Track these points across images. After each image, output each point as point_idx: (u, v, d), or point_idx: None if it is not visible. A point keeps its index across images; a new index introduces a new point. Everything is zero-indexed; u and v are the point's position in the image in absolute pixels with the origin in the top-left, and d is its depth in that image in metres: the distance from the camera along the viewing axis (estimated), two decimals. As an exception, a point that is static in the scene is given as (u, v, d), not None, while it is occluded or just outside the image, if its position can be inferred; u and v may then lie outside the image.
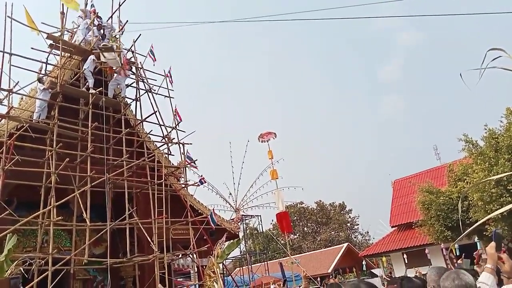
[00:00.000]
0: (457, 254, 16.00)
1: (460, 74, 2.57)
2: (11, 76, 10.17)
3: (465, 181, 15.91)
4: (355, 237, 52.00)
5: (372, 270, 33.57)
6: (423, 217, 18.11)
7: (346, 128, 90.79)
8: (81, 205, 9.90)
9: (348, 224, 52.86)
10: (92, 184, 10.41)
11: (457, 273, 2.33)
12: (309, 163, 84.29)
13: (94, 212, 10.71)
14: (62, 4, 12.26)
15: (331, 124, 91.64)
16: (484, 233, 14.77)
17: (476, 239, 16.91)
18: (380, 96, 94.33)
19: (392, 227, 26.52)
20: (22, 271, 8.94)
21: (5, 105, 10.25)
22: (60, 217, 9.48)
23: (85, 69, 11.50)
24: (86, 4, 13.01)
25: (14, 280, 9.84)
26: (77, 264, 10.49)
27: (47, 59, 11.83)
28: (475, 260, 4.17)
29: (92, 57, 11.59)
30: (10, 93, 10.24)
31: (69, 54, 12.15)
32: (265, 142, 19.36)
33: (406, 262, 22.94)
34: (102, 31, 12.10)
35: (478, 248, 15.39)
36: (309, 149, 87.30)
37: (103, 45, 11.59)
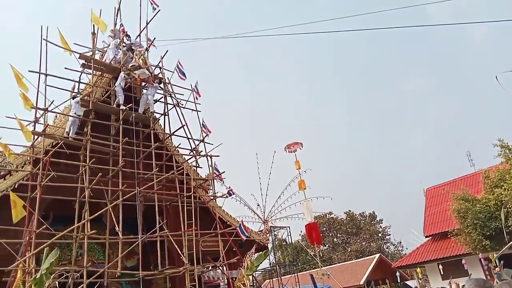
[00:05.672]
0: (496, 264, 15.28)
1: (496, 77, 2.49)
2: (46, 95, 10.65)
3: (503, 187, 15.26)
4: (387, 248, 50.56)
5: (406, 282, 32.44)
6: (459, 226, 17.46)
7: (375, 136, 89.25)
8: (114, 219, 10.13)
9: (379, 234, 51.51)
10: (124, 197, 10.63)
11: (510, 285, 2.19)
12: (338, 172, 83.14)
13: (126, 225, 10.90)
14: (93, 25, 12.77)
15: (359, 132, 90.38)
16: (526, 242, 14.05)
17: (517, 248, 16.10)
18: (411, 102, 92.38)
19: (426, 236, 25.65)
20: (56, 285, 9.18)
21: (41, 123, 10.69)
22: (93, 231, 9.72)
23: (116, 86, 11.88)
24: (115, 24, 13.50)
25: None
26: (111, 277, 10.65)
27: (79, 78, 12.28)
28: None
29: (122, 74, 11.97)
30: (46, 112, 10.69)
31: (100, 73, 12.60)
32: (292, 152, 19.29)
33: (442, 273, 22.08)
34: (132, 52, 12.57)
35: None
36: (337, 158, 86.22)
37: (131, 65, 11.99)
